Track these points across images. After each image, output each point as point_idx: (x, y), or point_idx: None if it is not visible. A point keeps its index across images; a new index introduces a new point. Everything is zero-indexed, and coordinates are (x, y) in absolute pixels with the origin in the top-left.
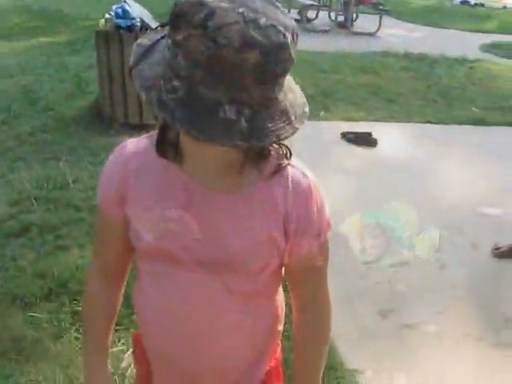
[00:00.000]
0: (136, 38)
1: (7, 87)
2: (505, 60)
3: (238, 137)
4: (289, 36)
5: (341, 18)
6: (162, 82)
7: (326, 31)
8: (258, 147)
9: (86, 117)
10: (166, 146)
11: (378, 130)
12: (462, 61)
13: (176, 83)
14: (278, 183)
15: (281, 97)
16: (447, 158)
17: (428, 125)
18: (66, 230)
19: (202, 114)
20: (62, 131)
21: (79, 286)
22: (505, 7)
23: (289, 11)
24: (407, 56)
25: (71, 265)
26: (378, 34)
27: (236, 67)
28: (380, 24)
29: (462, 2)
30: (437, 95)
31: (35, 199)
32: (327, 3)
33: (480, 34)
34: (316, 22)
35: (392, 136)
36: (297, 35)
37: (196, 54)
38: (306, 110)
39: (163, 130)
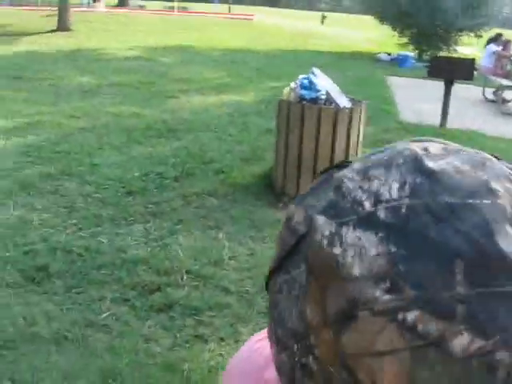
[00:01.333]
0: (319, 112)
1: (188, 143)
2: None
3: None
4: None
5: None
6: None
7: None
8: None
9: (257, 185)
10: None
11: None
12: None
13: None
14: None
15: None
16: None
17: None
18: (209, 317)
19: None
20: (228, 197)
21: None
22: None
23: (483, 91)
24: None
25: (205, 364)
26: None
27: None
28: None
29: None
30: None
31: (186, 272)
32: None
33: None
34: None
35: None
36: None
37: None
38: None
39: None
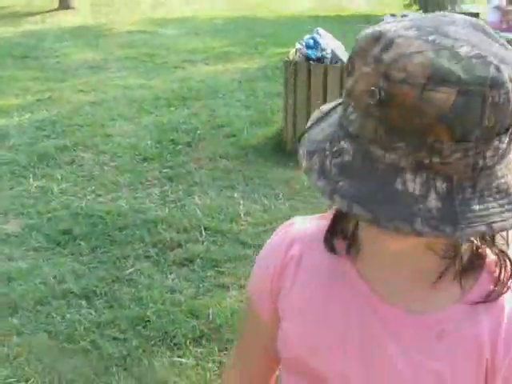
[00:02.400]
0: (325, 71)
1: (197, 110)
2: None
3: (421, 220)
4: (506, 71)
5: None
6: (328, 145)
7: None
8: (466, 252)
9: (267, 146)
10: (337, 239)
11: None
12: None
13: (344, 144)
14: (486, 311)
15: (499, 169)
16: None
17: None
18: (229, 267)
19: (372, 184)
20: (241, 159)
21: (231, 334)
22: None
23: None
24: None
25: (227, 308)
26: None
27: (420, 114)
28: None
29: None
30: None
31: (205, 229)
32: None
33: None
34: None
35: None
36: None
37: (366, 99)
38: None
39: (336, 219)
